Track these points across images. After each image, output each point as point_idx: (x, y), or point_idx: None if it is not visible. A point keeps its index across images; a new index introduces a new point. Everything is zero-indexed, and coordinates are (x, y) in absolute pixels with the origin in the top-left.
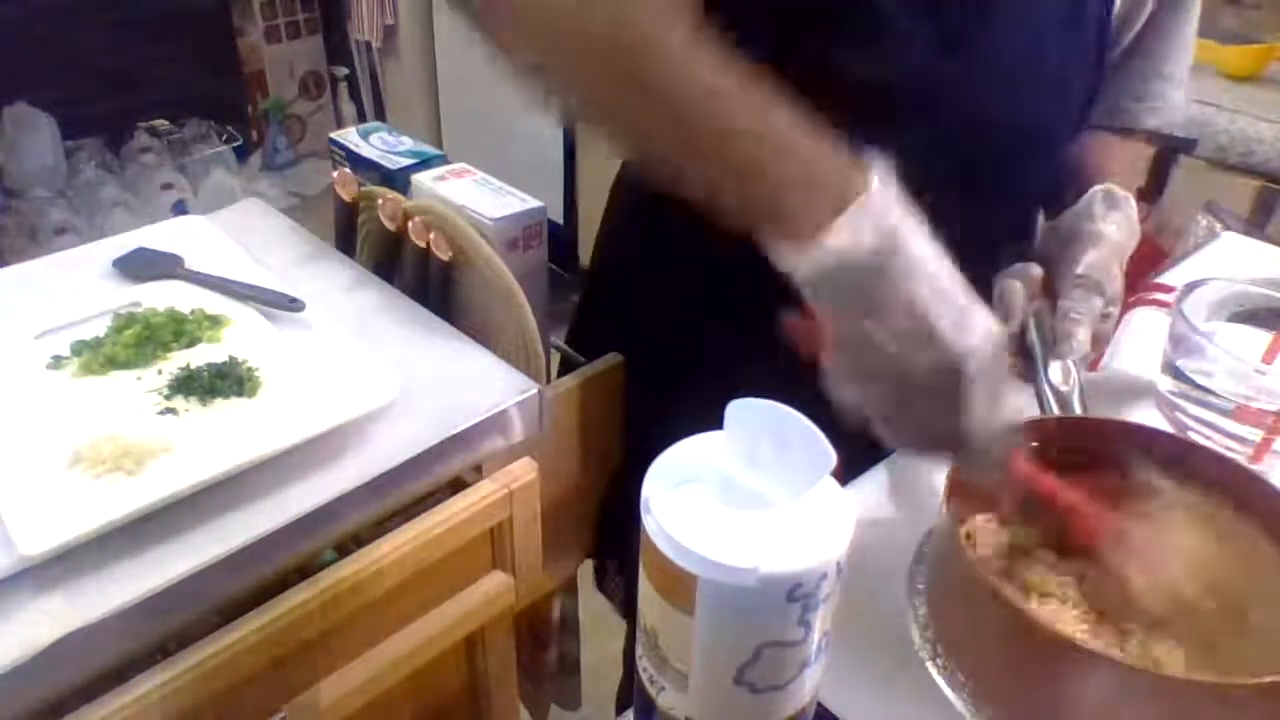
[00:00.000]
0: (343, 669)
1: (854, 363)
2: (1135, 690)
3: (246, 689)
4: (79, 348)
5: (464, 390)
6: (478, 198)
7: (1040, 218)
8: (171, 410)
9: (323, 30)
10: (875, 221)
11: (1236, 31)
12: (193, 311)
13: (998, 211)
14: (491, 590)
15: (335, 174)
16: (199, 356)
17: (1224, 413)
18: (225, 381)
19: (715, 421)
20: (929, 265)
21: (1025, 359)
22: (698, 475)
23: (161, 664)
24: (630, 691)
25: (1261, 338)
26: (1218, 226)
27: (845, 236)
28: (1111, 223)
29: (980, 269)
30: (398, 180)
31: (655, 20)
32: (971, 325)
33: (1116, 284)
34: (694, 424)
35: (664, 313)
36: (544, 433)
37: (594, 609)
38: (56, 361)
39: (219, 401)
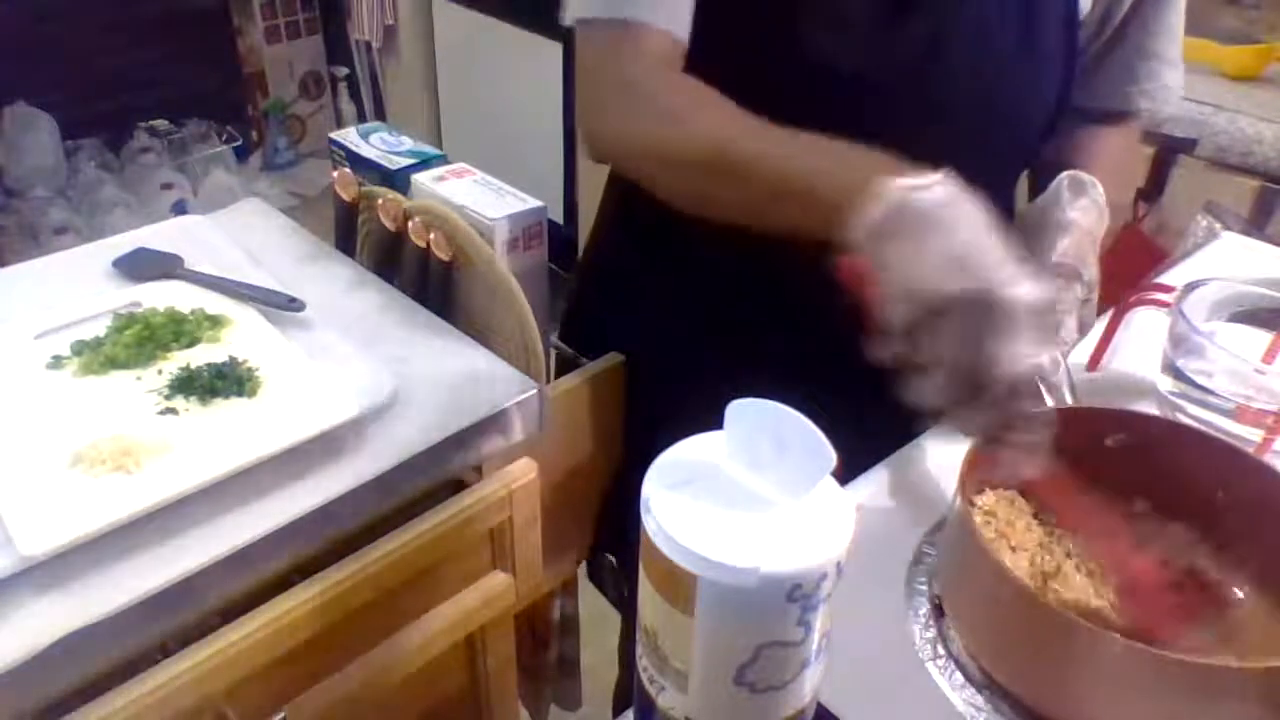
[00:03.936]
0: (343, 669)
1: (901, 290)
2: (1138, 667)
3: (246, 689)
4: (79, 348)
5: (464, 390)
6: (478, 198)
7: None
8: (172, 410)
9: (323, 30)
10: (935, 179)
11: (1236, 31)
12: (193, 311)
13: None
14: (491, 590)
15: (335, 174)
16: (199, 357)
17: (1224, 413)
18: (225, 382)
19: (715, 421)
20: (979, 218)
21: None
22: (698, 475)
23: (161, 664)
24: (627, 690)
25: (1261, 338)
26: (1218, 226)
27: (908, 186)
28: (1078, 209)
29: None
30: (398, 180)
31: (727, 131)
32: (1005, 270)
33: (1093, 269)
34: (694, 424)
35: (659, 312)
36: (544, 433)
37: (594, 609)
38: (56, 361)
39: (219, 401)
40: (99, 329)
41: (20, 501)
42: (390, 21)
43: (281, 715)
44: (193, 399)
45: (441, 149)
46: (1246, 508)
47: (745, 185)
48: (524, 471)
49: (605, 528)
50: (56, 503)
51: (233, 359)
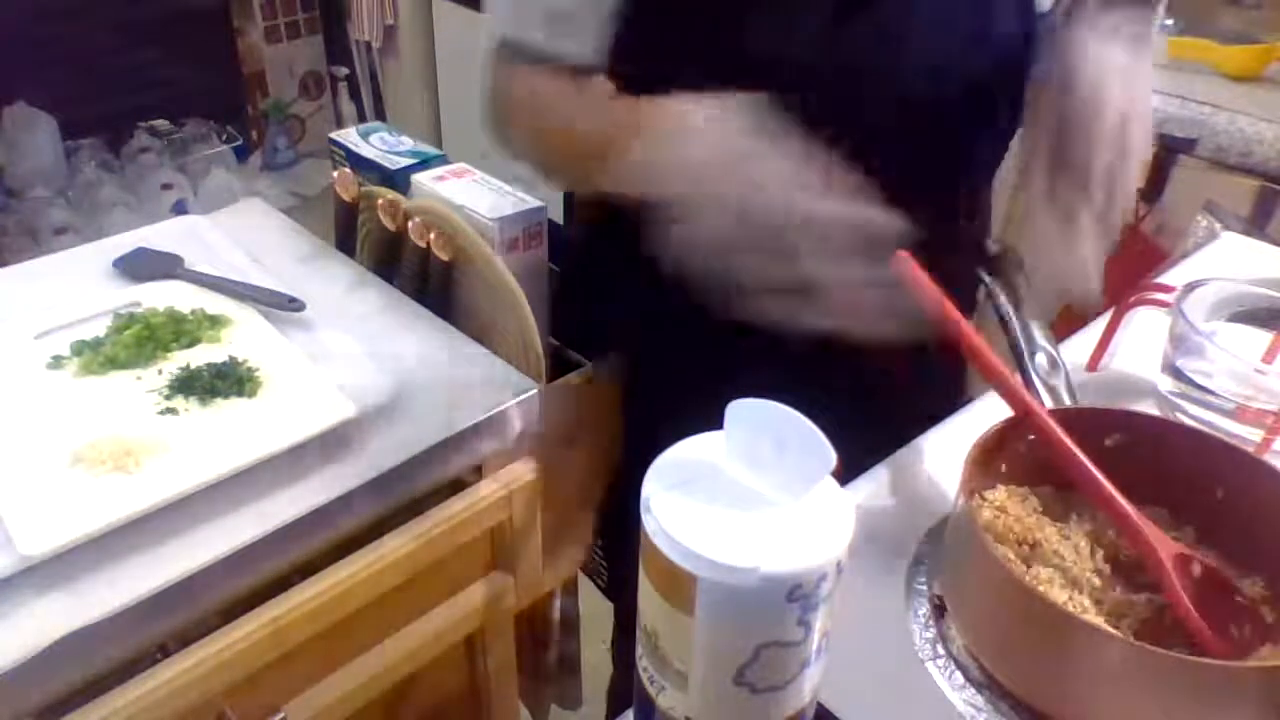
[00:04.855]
0: (343, 668)
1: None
2: (1139, 667)
3: (246, 689)
4: (79, 348)
5: (464, 390)
6: (478, 198)
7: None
8: (172, 410)
9: (323, 30)
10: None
11: (1236, 31)
12: (193, 311)
13: (922, 166)
14: (491, 590)
15: (335, 174)
16: (199, 357)
17: (1224, 413)
18: (225, 382)
19: (715, 421)
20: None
21: (1012, 353)
22: (698, 475)
23: (161, 664)
24: (620, 689)
25: (1261, 338)
26: (1218, 226)
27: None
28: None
29: (910, 219)
30: (398, 180)
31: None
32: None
33: (1121, 176)
34: (694, 424)
35: (651, 308)
36: (544, 433)
37: (594, 608)
38: (57, 361)
39: (219, 401)
40: (99, 329)
41: (20, 501)
42: (390, 21)
43: (281, 715)
44: (193, 399)
45: (441, 149)
46: (1246, 507)
47: (562, 159)
48: (524, 471)
49: (605, 528)
50: (56, 503)
51: (233, 359)
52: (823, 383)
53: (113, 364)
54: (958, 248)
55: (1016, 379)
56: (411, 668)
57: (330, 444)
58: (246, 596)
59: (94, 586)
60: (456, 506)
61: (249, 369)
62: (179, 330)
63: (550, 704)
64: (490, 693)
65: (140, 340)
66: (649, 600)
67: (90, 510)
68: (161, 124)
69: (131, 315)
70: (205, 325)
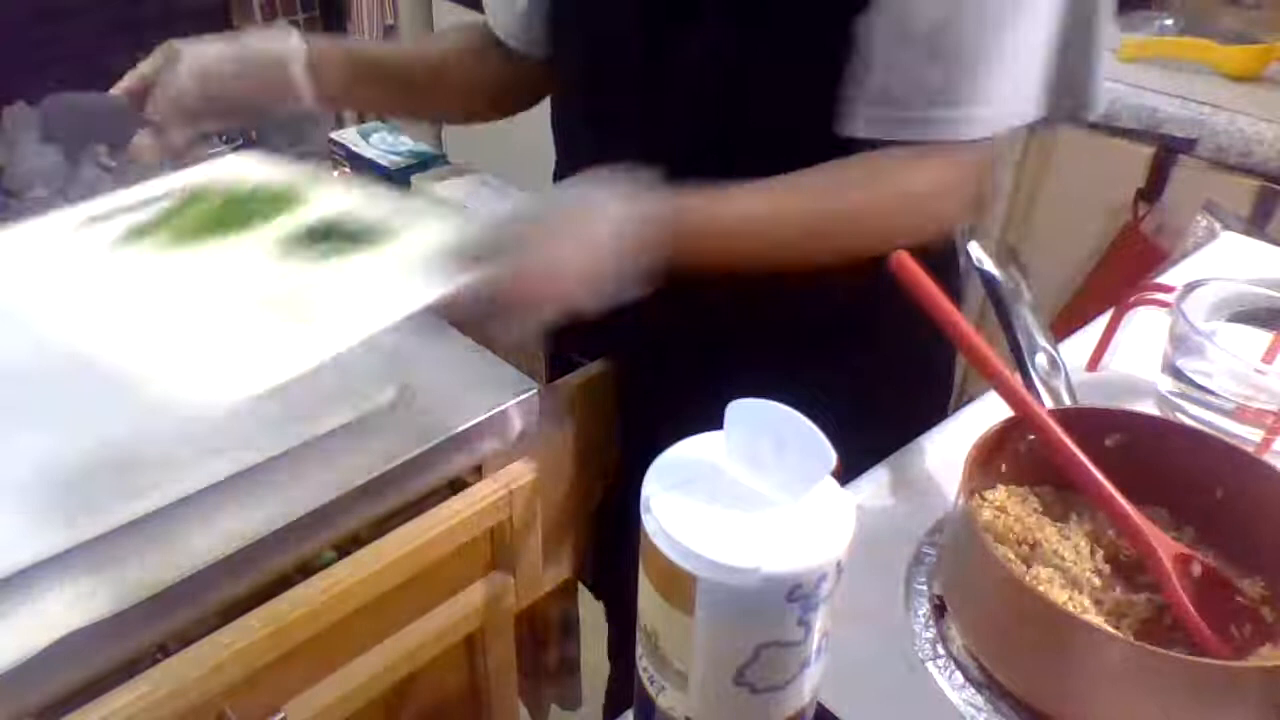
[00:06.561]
0: (343, 668)
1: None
2: (1139, 667)
3: (246, 689)
4: (142, 228)
5: (464, 390)
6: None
7: None
8: (318, 259)
9: (323, 30)
10: None
11: (1236, 31)
12: (256, 187)
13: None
14: (491, 590)
15: (335, 174)
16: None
17: (1224, 413)
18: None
19: (715, 422)
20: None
21: (1012, 353)
22: (698, 475)
23: (161, 664)
24: (617, 690)
25: (1261, 338)
26: (1218, 226)
27: None
28: None
29: None
30: (398, 180)
31: None
32: None
33: None
34: (693, 424)
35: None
36: (544, 433)
37: (593, 609)
38: (128, 238)
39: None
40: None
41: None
42: (390, 21)
43: (281, 715)
44: (328, 252)
45: (441, 149)
46: (1246, 507)
47: None
48: (523, 472)
49: (605, 528)
50: (257, 349)
51: (348, 212)
52: (823, 383)
53: (203, 232)
54: None
55: (1016, 379)
56: (411, 668)
57: (330, 444)
58: (246, 596)
59: (94, 586)
60: (456, 506)
61: (369, 225)
62: (267, 200)
63: (550, 704)
64: (490, 693)
65: (223, 214)
66: (649, 600)
67: (286, 356)
68: None
69: (198, 189)
70: (284, 196)
